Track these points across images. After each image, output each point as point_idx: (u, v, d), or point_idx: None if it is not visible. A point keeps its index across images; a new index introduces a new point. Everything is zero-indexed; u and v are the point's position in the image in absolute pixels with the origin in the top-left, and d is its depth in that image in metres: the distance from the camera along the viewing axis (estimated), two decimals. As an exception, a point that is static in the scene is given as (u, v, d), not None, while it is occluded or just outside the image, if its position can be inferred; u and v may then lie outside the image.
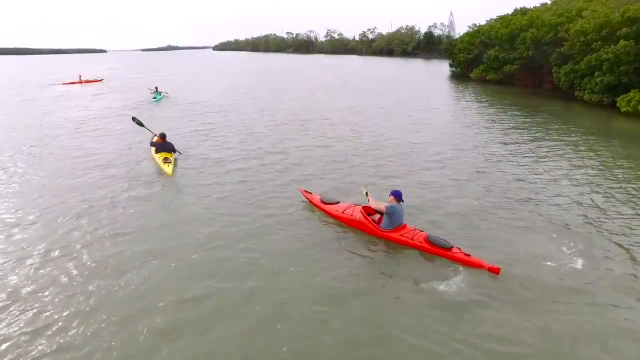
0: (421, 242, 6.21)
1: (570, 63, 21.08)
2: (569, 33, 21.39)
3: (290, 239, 6.76)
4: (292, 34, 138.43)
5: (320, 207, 7.65)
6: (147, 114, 19.20)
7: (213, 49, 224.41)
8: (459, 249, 5.98)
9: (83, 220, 7.50)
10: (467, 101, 22.56)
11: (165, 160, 10.34)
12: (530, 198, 8.35)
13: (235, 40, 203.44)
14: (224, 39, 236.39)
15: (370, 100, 22.15)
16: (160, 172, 10.11)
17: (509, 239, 6.67)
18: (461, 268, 5.73)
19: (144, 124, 12.52)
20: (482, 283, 5.43)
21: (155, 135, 11.63)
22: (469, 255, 5.85)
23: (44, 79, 41.15)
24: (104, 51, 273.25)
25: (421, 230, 6.48)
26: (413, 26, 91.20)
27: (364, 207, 7.00)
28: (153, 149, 11.08)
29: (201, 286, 5.43)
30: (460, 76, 38.32)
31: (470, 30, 53.85)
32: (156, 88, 25.12)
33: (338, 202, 7.57)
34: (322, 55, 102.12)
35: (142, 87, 30.22)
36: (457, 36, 62.88)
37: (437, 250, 6.04)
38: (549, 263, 5.86)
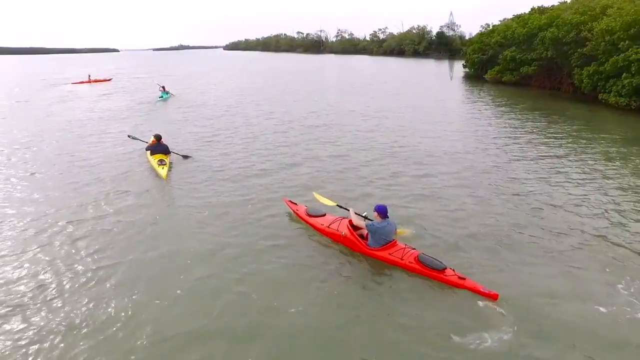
0: (411, 263, 5.67)
1: (594, 64, 19.95)
2: (593, 32, 20.26)
3: (277, 259, 6.14)
4: (303, 33, 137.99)
5: (306, 220, 7.09)
6: (151, 114, 18.74)
7: (224, 49, 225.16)
8: (453, 270, 5.44)
9: (62, 232, 7.01)
10: (484, 104, 21.54)
11: (160, 162, 10.06)
12: (556, 216, 7.47)
13: (245, 40, 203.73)
14: (234, 39, 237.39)
15: (382, 103, 21.30)
16: (155, 176, 9.83)
17: (524, 263, 5.91)
18: (455, 292, 5.21)
19: (139, 137, 12.01)
20: (477, 310, 4.90)
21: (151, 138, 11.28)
22: (464, 279, 5.30)
23: (54, 78, 41.17)
24: (117, 50, 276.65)
25: (413, 249, 5.90)
26: (425, 26, 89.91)
27: (350, 221, 6.42)
28: (149, 152, 10.75)
29: (183, 328, 4.73)
30: (474, 77, 37.21)
31: (483, 30, 52.75)
32: (163, 87, 25.33)
33: (324, 215, 7.00)
34: (332, 55, 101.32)
35: (149, 86, 30.11)
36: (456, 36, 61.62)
37: (428, 272, 5.51)
38: (577, 299, 5.09)
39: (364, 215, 6.45)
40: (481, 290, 5.13)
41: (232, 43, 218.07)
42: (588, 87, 20.61)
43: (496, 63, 32.81)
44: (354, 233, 6.27)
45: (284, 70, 50.36)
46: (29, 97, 26.45)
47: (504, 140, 13.24)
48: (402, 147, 12.36)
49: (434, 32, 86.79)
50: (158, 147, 10.59)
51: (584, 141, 13.01)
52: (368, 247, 6.08)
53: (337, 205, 6.81)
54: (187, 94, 26.50)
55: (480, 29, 59.23)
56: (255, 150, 12.21)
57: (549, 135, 13.97)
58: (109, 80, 37.50)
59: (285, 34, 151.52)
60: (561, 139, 13.41)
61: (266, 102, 21.72)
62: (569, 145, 12.60)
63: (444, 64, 58.11)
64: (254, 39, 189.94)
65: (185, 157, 11.25)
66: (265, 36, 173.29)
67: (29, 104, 22.80)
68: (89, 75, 36.42)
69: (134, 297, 5.26)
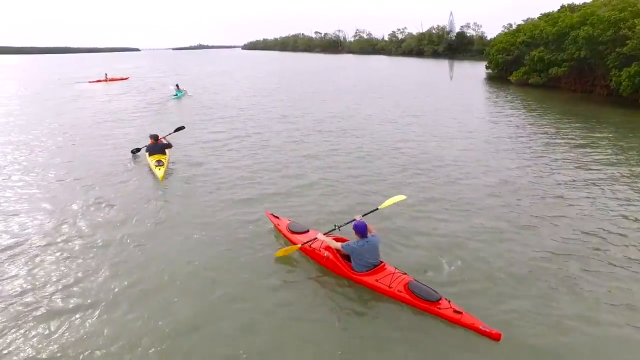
0: (400, 292, 4.94)
1: (635, 64, 18.43)
2: (635, 30, 18.71)
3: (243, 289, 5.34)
4: (321, 33, 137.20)
5: (287, 237, 6.37)
6: (161, 115, 18.17)
7: (242, 48, 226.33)
8: (449, 301, 4.69)
9: (42, 239, 6.56)
10: (512, 108, 20.16)
11: (158, 163, 9.89)
12: (593, 244, 6.35)
13: (263, 39, 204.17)
14: (252, 39, 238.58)
15: (402, 106, 20.19)
16: (153, 177, 9.61)
17: (539, 299, 5.04)
18: (452, 327, 4.50)
19: (141, 147, 11.38)
20: (475, 350, 4.17)
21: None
22: (461, 313, 4.55)
23: (73, 77, 41.32)
24: (138, 50, 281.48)
25: (403, 273, 5.17)
26: (444, 26, 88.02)
27: (336, 239, 5.70)
28: (147, 153, 10.62)
29: None
30: (497, 79, 35.65)
31: (506, 30, 50.79)
32: (177, 86, 25.53)
33: (307, 231, 6.26)
34: (350, 56, 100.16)
35: (163, 86, 29.84)
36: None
37: (419, 303, 4.79)
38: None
39: (333, 229, 5.74)
40: (481, 328, 4.37)
41: (251, 43, 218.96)
42: (628, 89, 19.06)
43: (522, 64, 31.26)
44: (337, 254, 5.49)
45: (300, 71, 49.62)
46: (43, 95, 26.33)
47: (539, 149, 12.05)
48: (426, 155, 11.33)
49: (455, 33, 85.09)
50: (155, 147, 10.43)
51: (631, 152, 11.68)
52: (352, 271, 5.31)
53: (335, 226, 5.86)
54: (200, 93, 26.00)
55: (502, 29, 57.39)
56: (262, 156, 11.33)
57: (588, 144, 12.65)
58: (125, 79, 37.42)
59: (303, 34, 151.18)
60: (604, 150, 12.07)
61: (281, 104, 20.85)
62: (613, 156, 11.32)
63: (464, 65, 56.37)
64: (272, 38, 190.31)
65: (179, 129, 11.67)
66: (283, 36, 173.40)
67: (42, 102, 22.58)
68: (106, 74, 36.42)
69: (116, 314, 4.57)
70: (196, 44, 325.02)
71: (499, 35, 41.26)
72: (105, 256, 6.07)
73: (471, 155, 11.27)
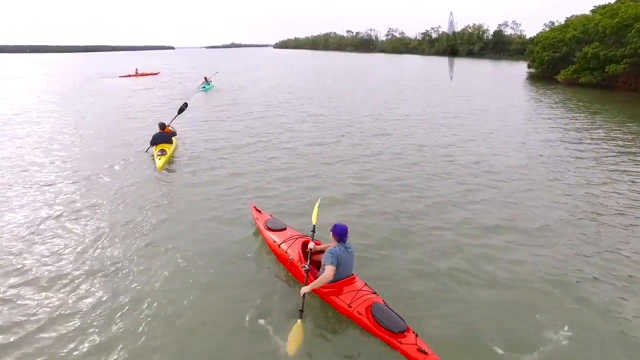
0: (360, 314, 4.08)
1: None
2: None
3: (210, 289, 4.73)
4: (352, 32, 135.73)
5: (262, 232, 5.72)
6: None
7: (273, 47, 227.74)
8: (416, 335, 3.79)
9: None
10: (565, 110, 18.07)
11: (161, 152, 9.48)
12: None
13: (295, 38, 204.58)
14: (284, 37, 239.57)
15: (444, 107, 18.57)
16: (153, 166, 9.16)
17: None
18: None
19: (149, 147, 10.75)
20: None
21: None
22: (426, 354, 3.60)
23: (106, 72, 41.79)
24: (172, 48, 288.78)
25: (372, 292, 4.29)
26: (481, 25, 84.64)
27: (305, 242, 4.99)
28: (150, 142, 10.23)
29: None
30: (542, 78, 33.16)
31: (548, 28, 47.54)
32: (205, 78, 25.86)
33: (284, 229, 5.55)
34: (382, 55, 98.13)
35: (191, 81, 29.52)
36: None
37: (378, 332, 3.91)
38: None
39: (311, 234, 4.87)
40: None
41: (282, 41, 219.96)
42: None
43: (571, 62, 28.80)
44: (303, 260, 4.67)
45: (331, 69, 48.44)
46: (74, 89, 26.38)
47: (609, 159, 10.28)
48: (478, 164, 9.75)
49: (492, 31, 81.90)
50: (161, 136, 10.00)
51: None
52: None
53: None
54: (225, 89, 25.25)
55: (544, 27, 54.00)
56: (277, 158, 9.93)
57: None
58: (156, 74, 37.40)
59: (334, 33, 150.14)
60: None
61: (309, 103, 19.42)
62: None
63: (502, 65, 53.50)
64: (303, 37, 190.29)
65: (182, 109, 11.51)
66: (314, 35, 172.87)
67: (67, 95, 22.42)
68: (136, 69, 36.58)
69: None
70: (229, 43, 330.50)
71: (544, 32, 38.52)
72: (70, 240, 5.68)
73: (530, 166, 9.47)
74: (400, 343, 3.73)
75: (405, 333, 3.80)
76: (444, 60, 66.70)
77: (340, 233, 4.27)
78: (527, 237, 5.89)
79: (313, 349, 3.83)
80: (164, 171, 8.77)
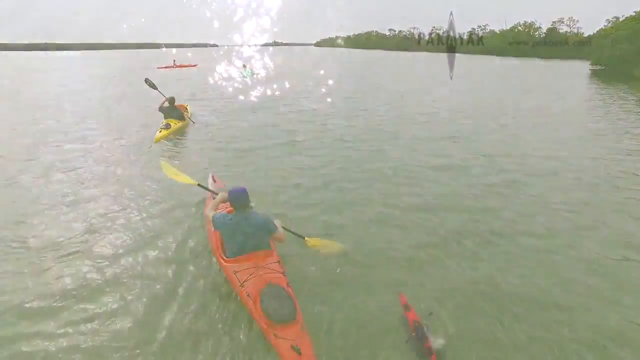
0: (248, 295, 3.34)
1: None
2: None
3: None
4: (395, 30, 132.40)
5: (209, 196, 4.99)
6: (210, 102, 16.25)
7: (314, 45, 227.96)
8: (304, 329, 3.10)
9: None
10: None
11: (166, 126, 9.43)
12: None
13: (336, 36, 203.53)
14: (325, 36, 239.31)
15: (505, 106, 16.38)
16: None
17: None
18: None
19: (157, 87, 11.19)
20: None
21: (166, 100, 10.37)
22: (300, 355, 2.85)
23: (146, 65, 42.28)
24: (216, 45, 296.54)
25: (278, 272, 3.53)
26: (532, 22, 79.10)
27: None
28: (162, 115, 10.21)
29: None
30: (609, 75, 29.47)
31: (608, 25, 42.60)
32: (244, 65, 28.68)
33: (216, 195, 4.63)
34: (425, 53, 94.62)
35: (227, 72, 29.15)
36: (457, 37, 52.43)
37: (258, 320, 3.18)
38: None
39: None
40: None
41: (322, 40, 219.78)
42: None
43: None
44: (210, 229, 4.00)
45: (373, 68, 46.63)
46: (110, 81, 26.42)
47: None
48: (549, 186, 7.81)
49: (544, 29, 76.64)
50: (170, 111, 10.02)
51: None
52: (222, 254, 3.87)
53: (199, 184, 4.59)
54: (262, 81, 24.22)
55: (605, 23, 48.94)
56: (294, 158, 8.16)
57: None
58: (193, 65, 37.31)
59: (376, 32, 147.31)
60: None
61: (346, 101, 17.51)
62: None
63: (557, 64, 49.21)
64: (345, 35, 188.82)
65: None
66: (355, 33, 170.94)
67: (105, 86, 22.23)
68: (174, 61, 36.75)
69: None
70: (271, 41, 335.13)
71: (618, 22, 34.43)
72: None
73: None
74: (276, 336, 3.02)
75: (290, 324, 3.09)
76: (492, 59, 62.74)
77: (236, 198, 3.58)
78: None
79: (186, 339, 3.17)
80: (157, 144, 8.70)
